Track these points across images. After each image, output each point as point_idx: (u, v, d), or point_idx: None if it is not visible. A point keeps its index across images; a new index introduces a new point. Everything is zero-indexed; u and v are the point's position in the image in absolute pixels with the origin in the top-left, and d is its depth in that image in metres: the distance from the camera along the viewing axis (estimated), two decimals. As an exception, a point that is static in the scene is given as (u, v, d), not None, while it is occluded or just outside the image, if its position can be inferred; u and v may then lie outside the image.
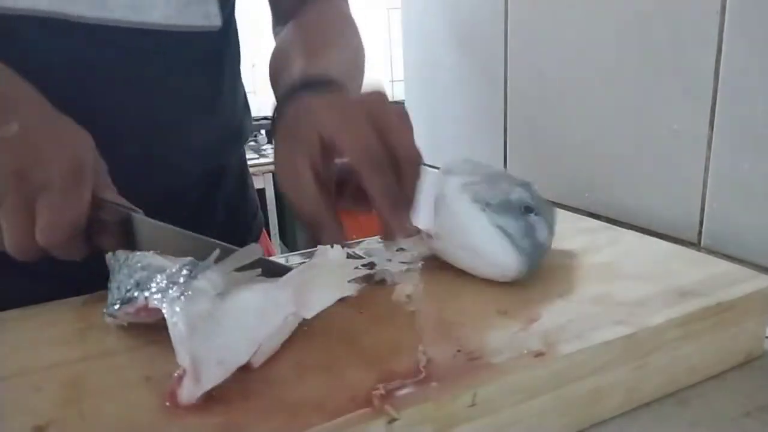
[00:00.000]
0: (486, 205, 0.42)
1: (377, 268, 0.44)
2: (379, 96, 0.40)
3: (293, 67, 0.48)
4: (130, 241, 0.39)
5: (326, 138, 0.38)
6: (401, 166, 0.38)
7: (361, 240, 0.53)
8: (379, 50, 2.83)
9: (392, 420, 0.27)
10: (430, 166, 0.96)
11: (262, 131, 2.77)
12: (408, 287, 0.43)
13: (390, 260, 0.47)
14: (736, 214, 0.51)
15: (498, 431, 0.31)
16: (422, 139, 0.39)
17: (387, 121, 0.38)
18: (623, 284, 0.41)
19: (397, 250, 0.49)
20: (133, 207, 0.40)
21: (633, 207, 0.61)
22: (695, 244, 0.54)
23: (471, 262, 0.43)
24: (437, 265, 0.45)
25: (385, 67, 2.86)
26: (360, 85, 0.57)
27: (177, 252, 0.38)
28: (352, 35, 0.60)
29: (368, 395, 0.28)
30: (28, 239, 0.36)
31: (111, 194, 0.40)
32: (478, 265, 0.42)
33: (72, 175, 0.36)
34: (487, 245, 0.41)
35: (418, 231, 0.50)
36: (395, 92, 2.87)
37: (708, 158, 0.52)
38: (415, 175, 0.39)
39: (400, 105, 0.41)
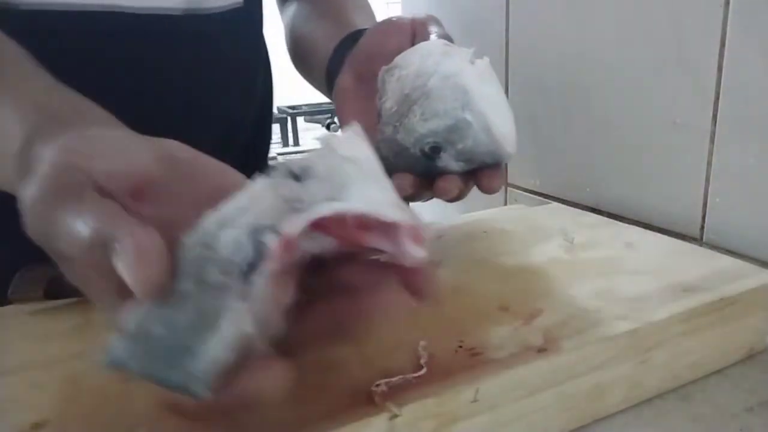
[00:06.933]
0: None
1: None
2: None
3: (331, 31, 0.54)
4: None
5: None
6: None
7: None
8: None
9: (394, 416, 0.27)
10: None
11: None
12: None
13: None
14: (739, 209, 0.50)
15: (500, 427, 0.31)
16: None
17: None
18: (625, 279, 0.40)
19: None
20: None
21: (635, 202, 0.60)
22: (697, 239, 0.54)
23: None
24: (438, 261, 0.45)
25: (385, 61, 2.85)
26: None
27: None
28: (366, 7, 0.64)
29: (369, 391, 0.28)
30: None
31: None
32: None
33: None
34: None
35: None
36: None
37: (711, 152, 0.52)
38: None
39: None
